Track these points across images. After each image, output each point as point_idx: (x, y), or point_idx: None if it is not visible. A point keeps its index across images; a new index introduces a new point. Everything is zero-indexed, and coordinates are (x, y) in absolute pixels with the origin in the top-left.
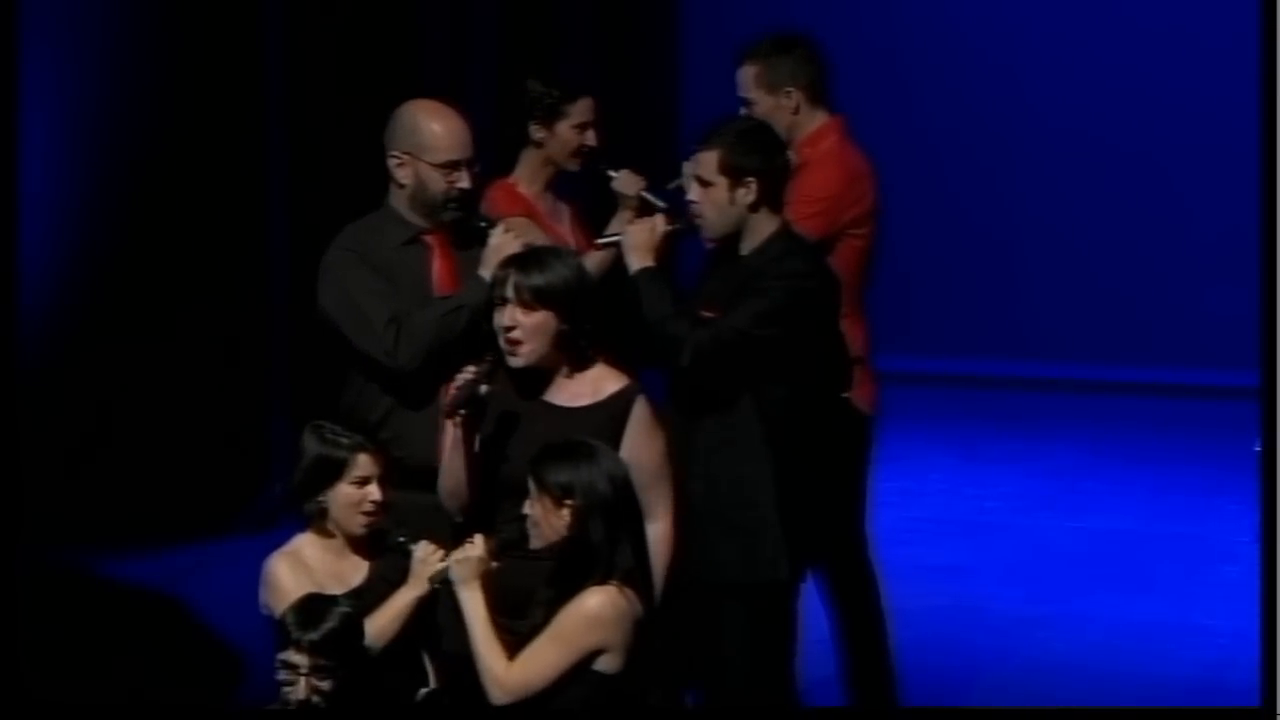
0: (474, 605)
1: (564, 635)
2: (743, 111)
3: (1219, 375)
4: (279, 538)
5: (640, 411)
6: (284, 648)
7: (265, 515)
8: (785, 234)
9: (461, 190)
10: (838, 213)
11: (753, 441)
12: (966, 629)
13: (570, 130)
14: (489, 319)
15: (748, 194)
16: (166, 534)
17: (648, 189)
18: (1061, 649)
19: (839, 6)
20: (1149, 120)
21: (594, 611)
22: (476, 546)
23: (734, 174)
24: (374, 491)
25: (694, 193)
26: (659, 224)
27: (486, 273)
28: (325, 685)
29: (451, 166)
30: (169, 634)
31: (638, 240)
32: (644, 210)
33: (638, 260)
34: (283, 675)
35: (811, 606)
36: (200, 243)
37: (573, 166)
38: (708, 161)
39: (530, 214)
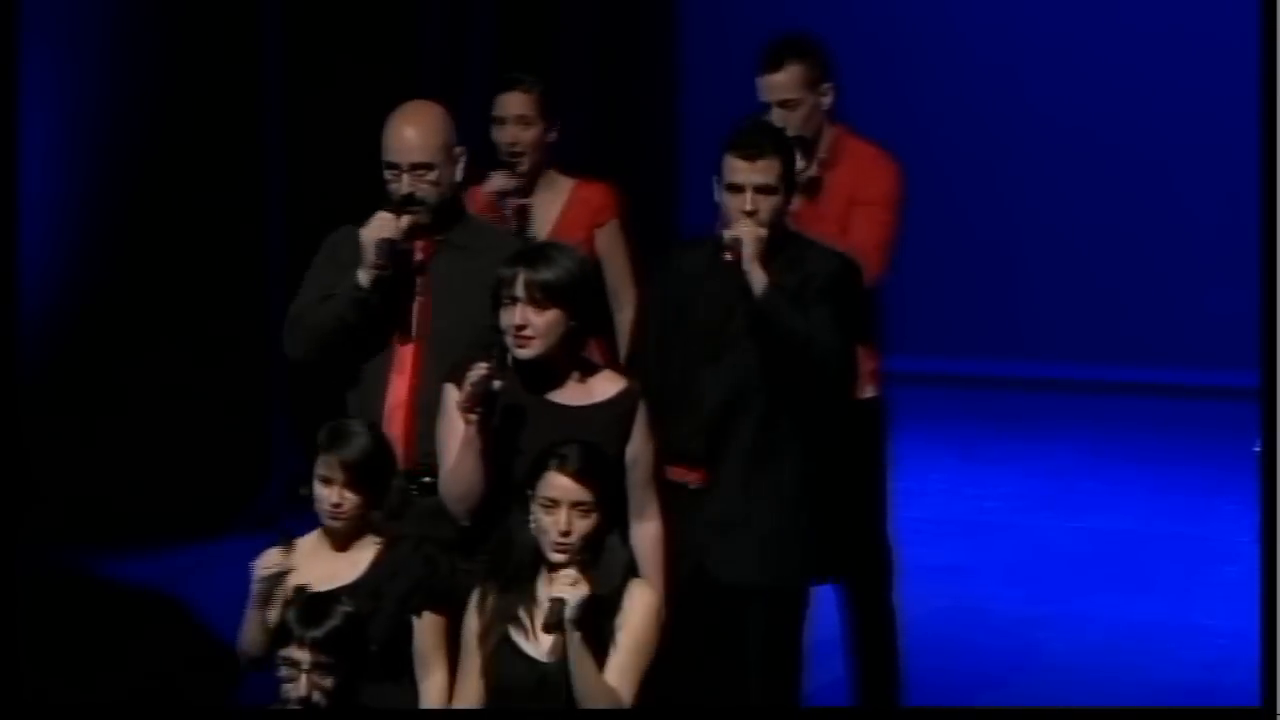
0: (580, 644)
1: (646, 641)
2: (777, 113)
3: (1219, 375)
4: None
5: (643, 412)
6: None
7: (265, 515)
8: (795, 235)
9: (404, 195)
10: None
11: (791, 445)
12: (966, 629)
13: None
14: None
15: (791, 201)
16: (166, 534)
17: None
18: (1061, 649)
19: (838, 7)
20: (1149, 120)
21: (657, 606)
22: (583, 584)
23: (789, 182)
24: (332, 493)
25: (754, 202)
26: (759, 230)
27: (364, 268)
28: (327, 683)
29: (392, 168)
30: (169, 634)
31: (754, 249)
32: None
33: (762, 278)
34: (284, 672)
35: (819, 607)
36: (200, 243)
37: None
38: (773, 169)
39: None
